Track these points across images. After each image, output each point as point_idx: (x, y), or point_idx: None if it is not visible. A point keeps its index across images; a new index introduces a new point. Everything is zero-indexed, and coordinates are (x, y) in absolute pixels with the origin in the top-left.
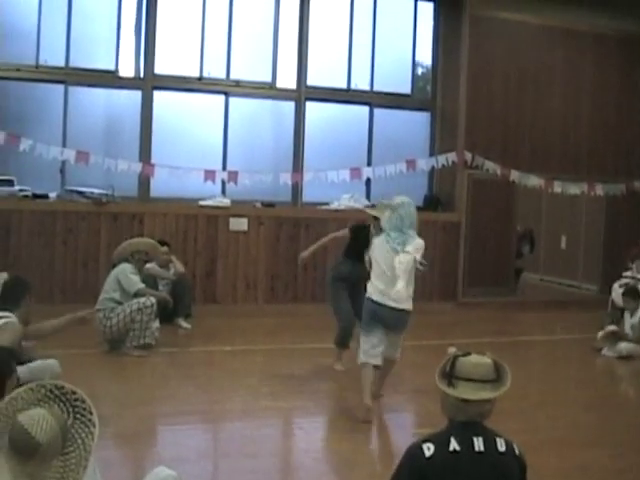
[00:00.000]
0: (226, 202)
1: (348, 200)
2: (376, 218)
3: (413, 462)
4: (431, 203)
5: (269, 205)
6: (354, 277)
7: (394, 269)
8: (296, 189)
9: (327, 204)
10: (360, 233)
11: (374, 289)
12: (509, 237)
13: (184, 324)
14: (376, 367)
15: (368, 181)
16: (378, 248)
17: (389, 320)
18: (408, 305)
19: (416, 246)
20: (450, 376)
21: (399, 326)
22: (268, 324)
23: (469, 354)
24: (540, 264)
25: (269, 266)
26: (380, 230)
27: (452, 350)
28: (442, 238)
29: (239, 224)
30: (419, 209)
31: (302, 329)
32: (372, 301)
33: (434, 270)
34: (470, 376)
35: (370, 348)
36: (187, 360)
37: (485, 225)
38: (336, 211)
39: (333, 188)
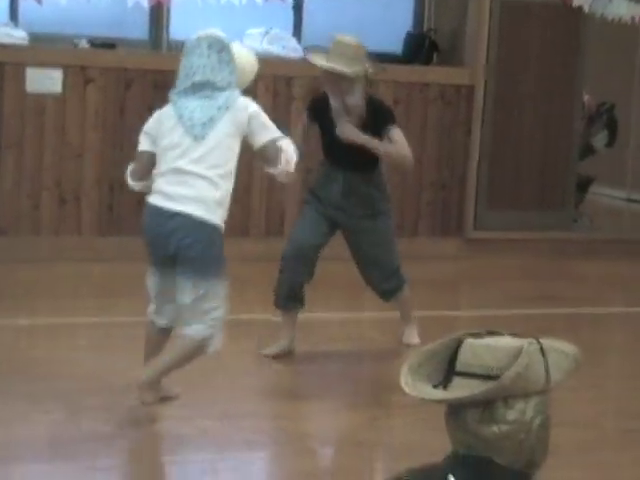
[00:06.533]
0: (19, 37)
1: (260, 39)
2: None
3: None
4: (419, 49)
5: (105, 45)
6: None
7: None
8: (158, 17)
9: None
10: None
11: None
12: (568, 118)
13: None
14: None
15: (298, 3)
16: None
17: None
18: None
19: None
20: (448, 371)
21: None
22: (102, 275)
23: (488, 334)
24: (628, 170)
25: (105, 165)
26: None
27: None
28: (438, 117)
29: (45, 80)
30: (396, 59)
31: None
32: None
33: (422, 179)
34: (470, 368)
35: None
36: None
37: (523, 94)
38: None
39: (230, 16)
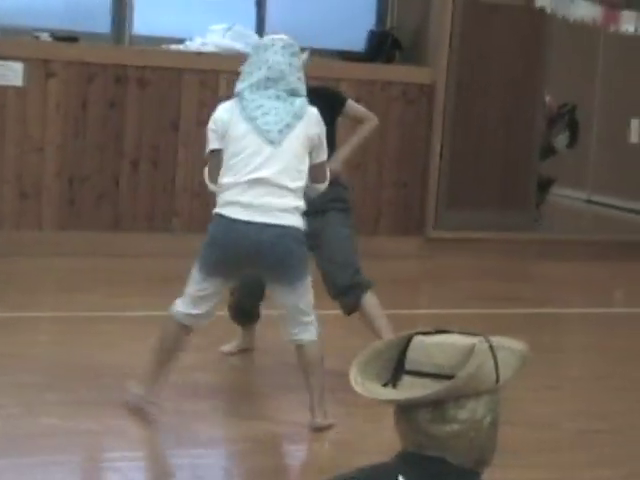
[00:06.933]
0: None
1: (222, 35)
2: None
3: None
4: (381, 48)
5: (67, 39)
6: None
7: None
8: (120, 11)
9: (181, 42)
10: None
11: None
12: (530, 118)
13: None
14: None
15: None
16: None
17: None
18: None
19: None
20: (397, 370)
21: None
22: (63, 270)
23: (438, 332)
24: (588, 172)
25: (66, 159)
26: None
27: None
28: (399, 116)
29: (7, 73)
30: (359, 57)
31: (131, 281)
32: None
33: (383, 178)
34: (421, 367)
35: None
36: None
37: (484, 93)
38: (198, 55)
39: (193, 12)
